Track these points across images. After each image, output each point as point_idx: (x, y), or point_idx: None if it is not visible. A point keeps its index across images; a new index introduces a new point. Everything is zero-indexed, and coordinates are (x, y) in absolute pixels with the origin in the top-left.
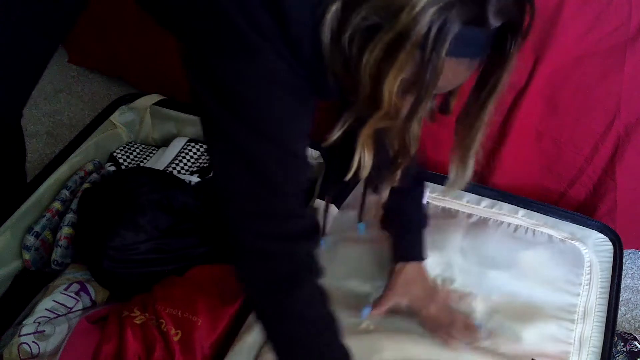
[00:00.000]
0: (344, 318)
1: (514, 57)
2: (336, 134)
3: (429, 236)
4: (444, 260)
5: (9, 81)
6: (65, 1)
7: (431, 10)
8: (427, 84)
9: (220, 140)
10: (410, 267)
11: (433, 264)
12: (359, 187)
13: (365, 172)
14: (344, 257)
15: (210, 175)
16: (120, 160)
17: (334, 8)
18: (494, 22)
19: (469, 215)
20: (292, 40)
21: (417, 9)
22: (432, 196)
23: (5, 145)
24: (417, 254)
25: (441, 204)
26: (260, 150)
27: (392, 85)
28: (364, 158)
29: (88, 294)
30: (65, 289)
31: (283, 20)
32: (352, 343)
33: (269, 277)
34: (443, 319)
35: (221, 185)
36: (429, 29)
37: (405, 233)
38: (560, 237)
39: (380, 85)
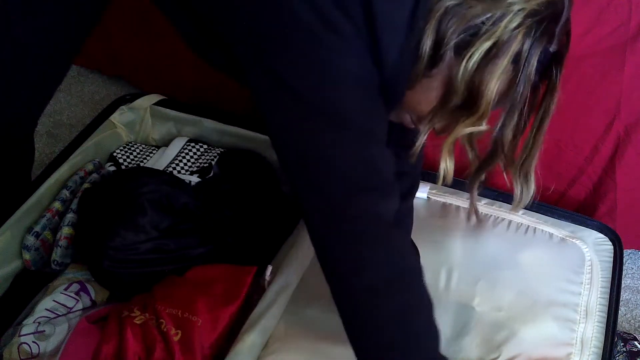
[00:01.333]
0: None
1: (559, 84)
2: (421, 142)
3: (429, 234)
4: (445, 258)
5: (25, 94)
6: (83, 9)
7: (525, 23)
8: (519, 95)
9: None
10: None
11: (433, 262)
12: None
13: (449, 179)
14: None
15: (211, 175)
16: (120, 160)
17: (440, 12)
18: (554, 47)
19: (470, 212)
20: (379, 44)
21: (515, 22)
22: (433, 192)
23: (18, 156)
24: None
25: (441, 200)
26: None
27: (492, 91)
28: (447, 166)
29: (88, 294)
30: (65, 289)
31: (373, 23)
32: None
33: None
34: None
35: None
36: (523, 44)
37: None
38: (560, 235)
39: (478, 91)
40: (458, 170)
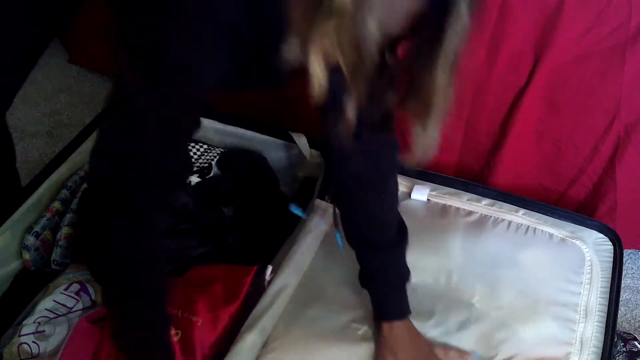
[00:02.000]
0: (343, 322)
1: (464, 13)
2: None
3: (430, 235)
4: (445, 258)
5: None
6: None
7: None
8: None
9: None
10: (398, 329)
11: (433, 262)
12: None
13: (320, 90)
14: (344, 257)
15: (211, 175)
16: None
17: None
18: None
19: (470, 213)
20: None
21: None
22: (433, 194)
23: None
24: (402, 311)
25: (442, 202)
26: None
27: None
28: (317, 71)
29: (88, 294)
30: (65, 289)
31: None
32: (351, 349)
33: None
34: None
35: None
36: None
37: (387, 290)
38: (560, 235)
39: None
40: (458, 170)
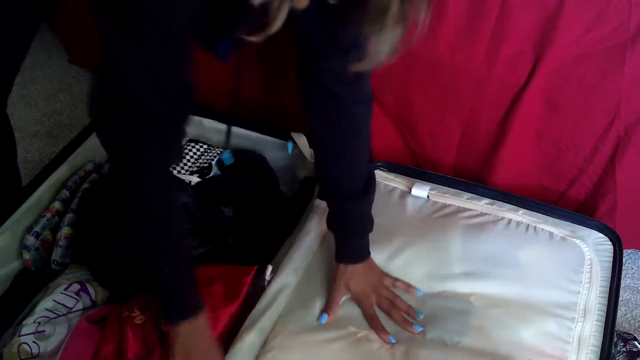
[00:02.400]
0: (342, 322)
1: None
2: None
3: (429, 233)
4: (444, 257)
5: None
6: None
7: None
8: None
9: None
10: (353, 268)
11: (433, 260)
12: None
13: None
14: None
15: (211, 175)
16: None
17: None
18: None
19: (469, 212)
20: None
21: None
22: (433, 193)
23: None
24: (361, 255)
25: (441, 201)
26: None
27: None
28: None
29: (88, 294)
30: (65, 289)
31: None
32: (350, 349)
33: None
34: (384, 307)
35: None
36: None
37: (347, 236)
38: (560, 235)
39: None
40: (457, 170)
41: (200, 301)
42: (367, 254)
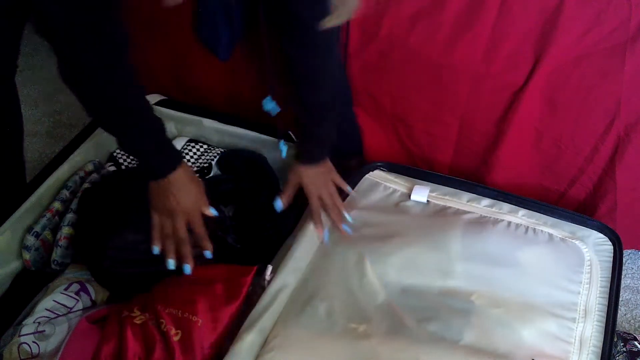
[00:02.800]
0: (341, 321)
1: None
2: None
3: (429, 234)
4: (444, 258)
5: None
6: None
7: None
8: None
9: None
10: (310, 167)
11: (432, 261)
12: (359, 186)
13: None
14: (343, 257)
15: (211, 175)
16: (120, 161)
17: None
18: None
19: (470, 214)
20: None
21: None
22: (433, 195)
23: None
24: (318, 160)
25: (441, 203)
26: None
27: None
28: None
29: (88, 294)
30: (65, 289)
31: None
32: (349, 348)
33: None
34: (326, 203)
35: None
36: None
37: (309, 143)
38: (560, 235)
39: None
40: (453, 169)
41: (178, 156)
42: (324, 157)
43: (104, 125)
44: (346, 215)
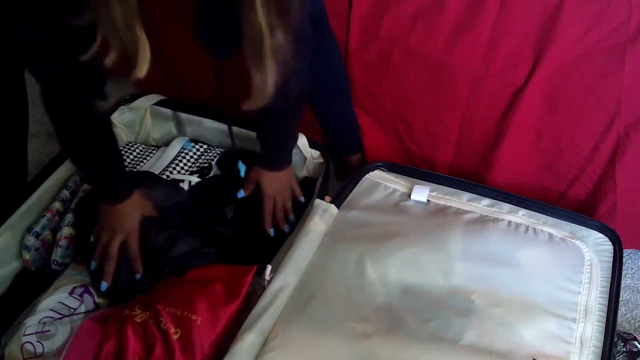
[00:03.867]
0: (342, 321)
1: None
2: None
3: (429, 234)
4: (444, 257)
5: None
6: None
7: None
8: None
9: None
10: (270, 173)
11: (433, 260)
12: (359, 186)
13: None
14: (343, 257)
15: (211, 174)
16: None
17: None
18: None
19: (470, 214)
20: None
21: None
22: (433, 195)
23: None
24: (282, 166)
25: (442, 202)
26: None
27: None
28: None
29: (92, 296)
30: (69, 291)
31: None
32: (349, 348)
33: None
34: (277, 205)
35: None
36: None
37: (271, 150)
38: (560, 235)
39: None
40: (454, 169)
41: (131, 187)
42: (286, 164)
43: (70, 155)
44: (292, 217)
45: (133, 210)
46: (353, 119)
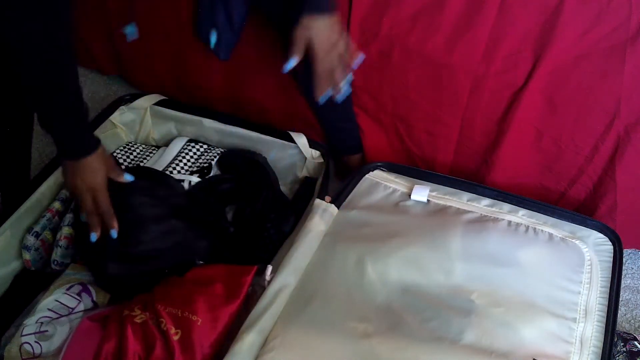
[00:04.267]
0: (342, 321)
1: None
2: None
3: (429, 234)
4: (445, 257)
5: None
6: None
7: None
8: None
9: None
10: (317, 22)
11: (433, 260)
12: (359, 186)
13: None
14: (343, 256)
15: (211, 174)
16: (120, 161)
17: None
18: None
19: (470, 214)
20: None
21: None
22: (433, 195)
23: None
24: (326, 7)
25: (442, 202)
26: None
27: None
28: None
29: (90, 295)
30: (67, 290)
31: None
32: (349, 348)
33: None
34: (334, 63)
35: None
36: None
37: None
38: (560, 235)
39: None
40: (454, 169)
41: (96, 143)
42: (333, 7)
43: (32, 101)
44: (350, 76)
45: (99, 165)
46: (353, 119)
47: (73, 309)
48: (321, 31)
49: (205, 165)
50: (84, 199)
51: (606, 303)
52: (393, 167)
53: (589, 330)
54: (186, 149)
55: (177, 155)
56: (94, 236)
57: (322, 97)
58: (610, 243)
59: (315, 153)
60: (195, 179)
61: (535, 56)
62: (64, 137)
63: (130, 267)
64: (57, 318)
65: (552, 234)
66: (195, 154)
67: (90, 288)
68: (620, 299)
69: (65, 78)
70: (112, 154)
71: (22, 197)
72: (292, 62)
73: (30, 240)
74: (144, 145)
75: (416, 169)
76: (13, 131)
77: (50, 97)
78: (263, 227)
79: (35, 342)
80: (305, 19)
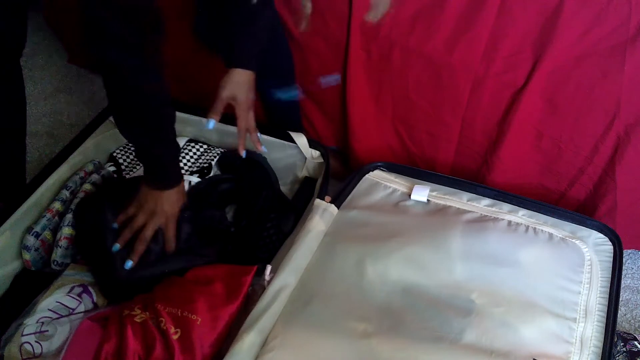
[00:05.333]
0: (342, 321)
1: None
2: None
3: (429, 234)
4: (445, 257)
5: None
6: None
7: None
8: None
9: None
10: (237, 72)
11: (433, 260)
12: (359, 186)
13: None
14: (343, 256)
15: (211, 175)
16: (120, 161)
17: None
18: None
19: (470, 214)
20: None
21: None
22: (433, 195)
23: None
24: (249, 64)
25: (442, 202)
26: None
27: None
28: None
29: (90, 296)
30: (68, 291)
31: None
32: (349, 348)
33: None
34: (250, 123)
35: None
36: None
37: (238, 40)
38: (560, 235)
39: None
40: (455, 169)
41: (180, 177)
42: (254, 66)
43: (132, 135)
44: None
45: (177, 198)
46: (295, 95)
47: (73, 309)
48: (243, 86)
49: (205, 165)
50: (151, 224)
51: (606, 303)
52: (393, 167)
53: (589, 330)
54: (186, 149)
55: None
56: (129, 263)
57: (243, 153)
58: (610, 243)
59: (315, 153)
60: (195, 179)
61: (535, 57)
62: (157, 169)
63: (139, 274)
64: (58, 318)
65: (552, 233)
66: (195, 154)
67: (91, 289)
68: (620, 299)
69: (165, 113)
70: (112, 153)
71: (22, 197)
72: (211, 124)
73: (30, 240)
74: None
75: (416, 169)
76: (5, 133)
77: (152, 133)
78: (263, 227)
79: (36, 342)
80: (232, 74)
